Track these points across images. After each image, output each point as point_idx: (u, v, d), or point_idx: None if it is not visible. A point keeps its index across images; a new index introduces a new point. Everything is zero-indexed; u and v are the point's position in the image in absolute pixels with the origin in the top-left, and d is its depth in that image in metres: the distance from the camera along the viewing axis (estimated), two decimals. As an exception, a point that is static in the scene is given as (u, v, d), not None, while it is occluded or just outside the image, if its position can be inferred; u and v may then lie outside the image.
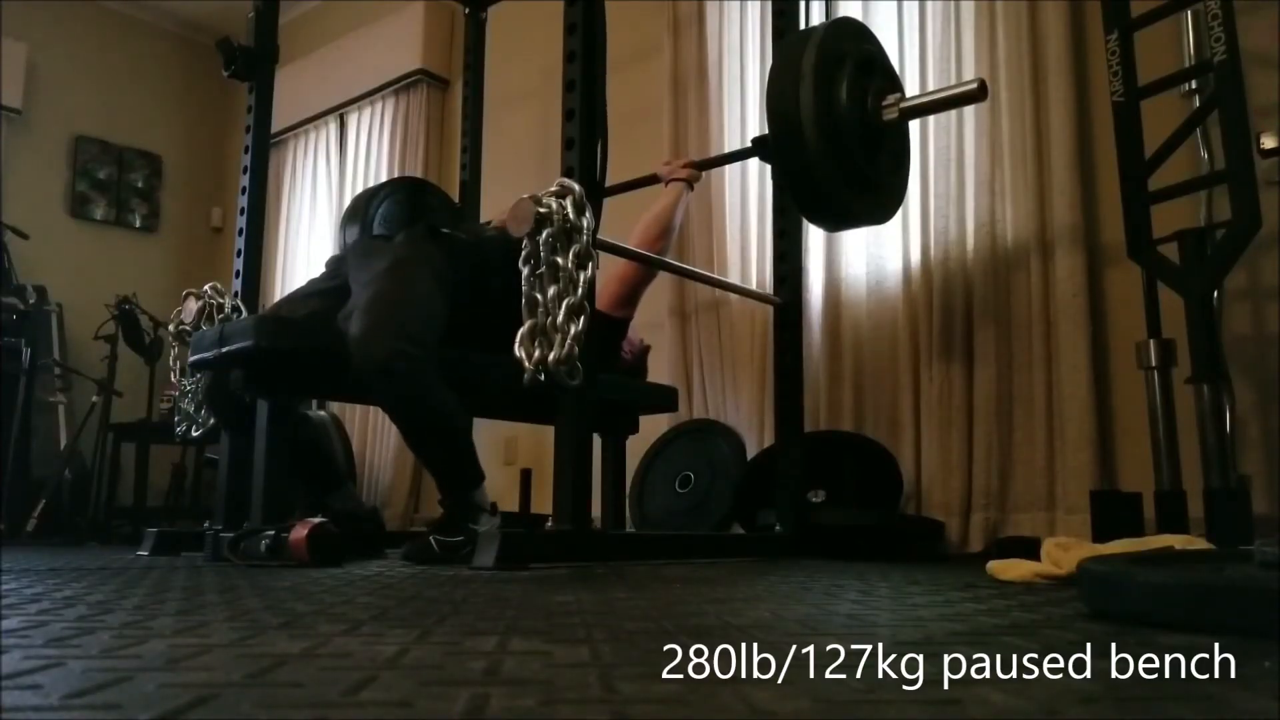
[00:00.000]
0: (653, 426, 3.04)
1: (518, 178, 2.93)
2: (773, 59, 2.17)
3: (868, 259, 2.95)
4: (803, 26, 2.97)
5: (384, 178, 4.66)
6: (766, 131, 2.12)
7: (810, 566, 1.92)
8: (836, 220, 2.33)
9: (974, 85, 2.05)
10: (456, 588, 1.27)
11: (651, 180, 2.57)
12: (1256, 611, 0.79)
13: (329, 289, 2.25)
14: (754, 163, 3.18)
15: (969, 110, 2.74)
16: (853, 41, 2.11)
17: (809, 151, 1.97)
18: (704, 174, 3.34)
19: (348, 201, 4.83)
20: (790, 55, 2.04)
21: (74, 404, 4.57)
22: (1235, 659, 0.66)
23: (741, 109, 3.36)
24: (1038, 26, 2.64)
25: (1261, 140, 2.08)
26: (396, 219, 2.33)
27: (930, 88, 2.83)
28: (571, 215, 1.75)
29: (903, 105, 2.09)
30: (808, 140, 1.97)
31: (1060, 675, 0.59)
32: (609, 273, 2.40)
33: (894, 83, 2.18)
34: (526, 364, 1.70)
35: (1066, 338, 2.47)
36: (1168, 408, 2.07)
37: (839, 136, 2.00)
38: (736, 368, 3.20)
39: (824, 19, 3.21)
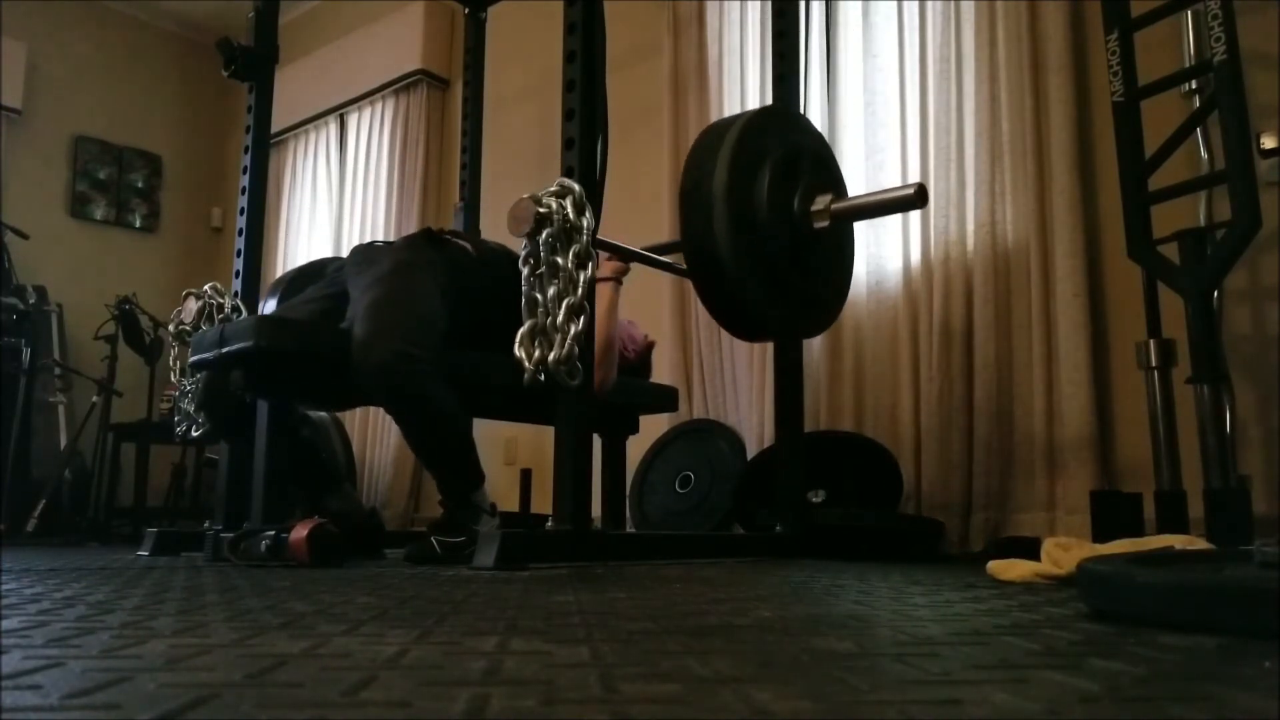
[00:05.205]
0: (653, 426, 3.04)
1: (518, 178, 2.93)
2: (685, 163, 1.95)
3: (868, 259, 2.94)
4: (801, 26, 2.98)
5: (384, 178, 4.67)
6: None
7: (810, 566, 1.92)
8: (764, 338, 2.28)
9: (911, 190, 1.91)
10: (456, 588, 1.27)
11: None
12: (1256, 611, 0.79)
13: (328, 295, 2.25)
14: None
15: (969, 110, 2.74)
16: (775, 136, 1.93)
17: (729, 283, 1.83)
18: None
19: (346, 204, 4.85)
20: (701, 169, 1.85)
21: (74, 404, 4.57)
22: (1235, 659, 0.66)
23: (741, 110, 3.36)
24: (1038, 26, 2.64)
25: (1261, 140, 2.09)
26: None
27: (931, 89, 2.83)
28: (571, 215, 1.75)
29: (834, 208, 1.94)
30: (728, 272, 1.82)
31: (1060, 675, 0.59)
32: None
33: (828, 175, 1.99)
34: (526, 364, 1.70)
35: (1066, 338, 2.47)
36: (1168, 408, 2.07)
37: (761, 256, 1.83)
38: (736, 368, 3.20)
39: (824, 19, 3.21)
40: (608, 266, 2.32)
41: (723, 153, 1.85)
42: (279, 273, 5.13)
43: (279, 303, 2.43)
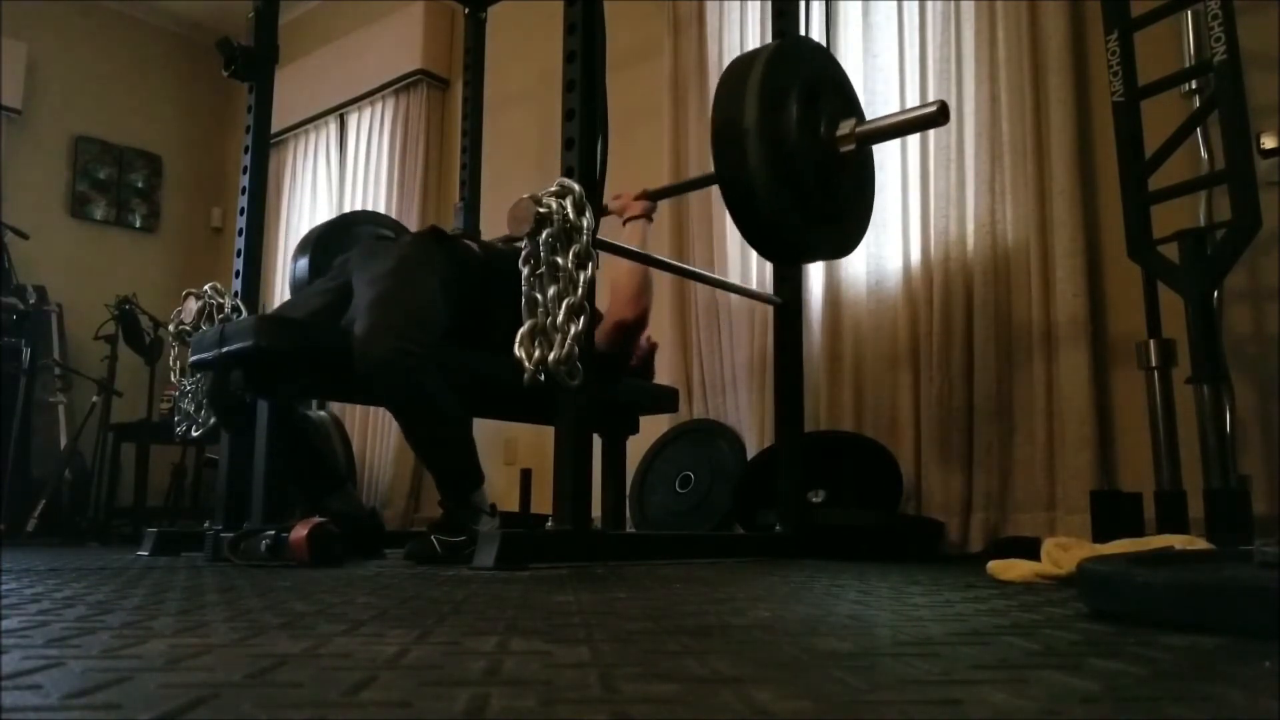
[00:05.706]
0: (653, 426, 3.03)
1: (518, 178, 2.93)
2: (714, 97, 2.01)
3: (868, 259, 2.94)
4: (801, 26, 2.97)
5: (384, 178, 4.67)
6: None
7: (810, 566, 1.92)
8: (796, 259, 2.29)
9: (934, 108, 1.95)
10: (456, 588, 1.27)
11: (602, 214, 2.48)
12: (1256, 611, 0.79)
13: (333, 287, 2.26)
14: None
15: (969, 110, 2.74)
16: (798, 66, 2.00)
17: (761, 200, 1.89)
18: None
19: (346, 204, 4.87)
20: (732, 97, 1.92)
21: (74, 404, 4.57)
22: (1235, 659, 0.66)
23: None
24: (1038, 26, 2.64)
25: (1261, 140, 2.09)
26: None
27: (931, 89, 2.83)
28: (571, 215, 1.75)
29: (859, 131, 2.00)
30: (759, 190, 1.88)
31: (1060, 675, 0.59)
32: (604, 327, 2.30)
33: (849, 105, 2.06)
34: (526, 364, 1.70)
35: (1066, 338, 2.47)
36: (1168, 408, 2.07)
37: (792, 177, 1.90)
38: (736, 368, 3.20)
39: (824, 19, 3.21)
40: (636, 206, 2.40)
41: (750, 85, 1.92)
42: (279, 274, 5.13)
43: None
